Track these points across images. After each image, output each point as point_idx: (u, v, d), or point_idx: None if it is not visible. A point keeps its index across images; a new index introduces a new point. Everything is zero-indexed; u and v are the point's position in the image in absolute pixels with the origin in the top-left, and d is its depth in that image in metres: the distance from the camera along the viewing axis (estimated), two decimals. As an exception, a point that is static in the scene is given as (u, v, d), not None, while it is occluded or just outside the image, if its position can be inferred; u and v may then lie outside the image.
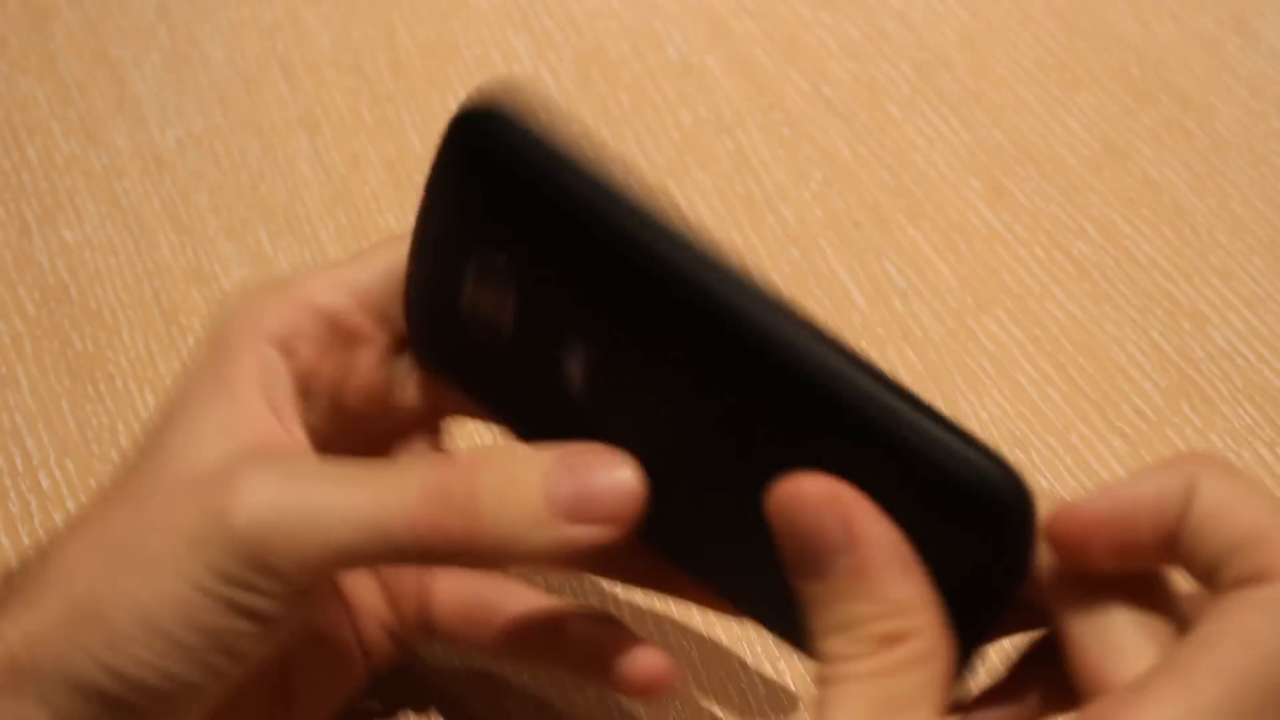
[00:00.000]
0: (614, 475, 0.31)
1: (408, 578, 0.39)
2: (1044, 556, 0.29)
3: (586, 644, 0.37)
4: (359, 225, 0.54)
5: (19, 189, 0.56)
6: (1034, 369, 0.50)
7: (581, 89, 0.59)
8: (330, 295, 0.35)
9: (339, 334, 0.36)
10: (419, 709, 0.42)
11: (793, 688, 0.43)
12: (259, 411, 0.34)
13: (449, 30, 0.61)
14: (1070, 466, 0.48)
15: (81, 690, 0.31)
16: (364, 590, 0.39)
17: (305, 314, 0.35)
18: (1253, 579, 0.27)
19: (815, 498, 0.28)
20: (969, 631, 0.29)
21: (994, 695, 0.31)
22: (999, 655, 0.32)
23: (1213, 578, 0.27)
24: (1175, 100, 0.58)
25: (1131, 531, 0.28)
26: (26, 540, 0.47)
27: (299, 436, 0.34)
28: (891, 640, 0.28)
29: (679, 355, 0.31)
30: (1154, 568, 0.29)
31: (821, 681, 0.28)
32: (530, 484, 0.31)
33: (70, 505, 0.48)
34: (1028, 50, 0.60)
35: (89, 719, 0.32)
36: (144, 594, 0.31)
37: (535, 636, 0.38)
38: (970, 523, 0.29)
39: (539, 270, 0.33)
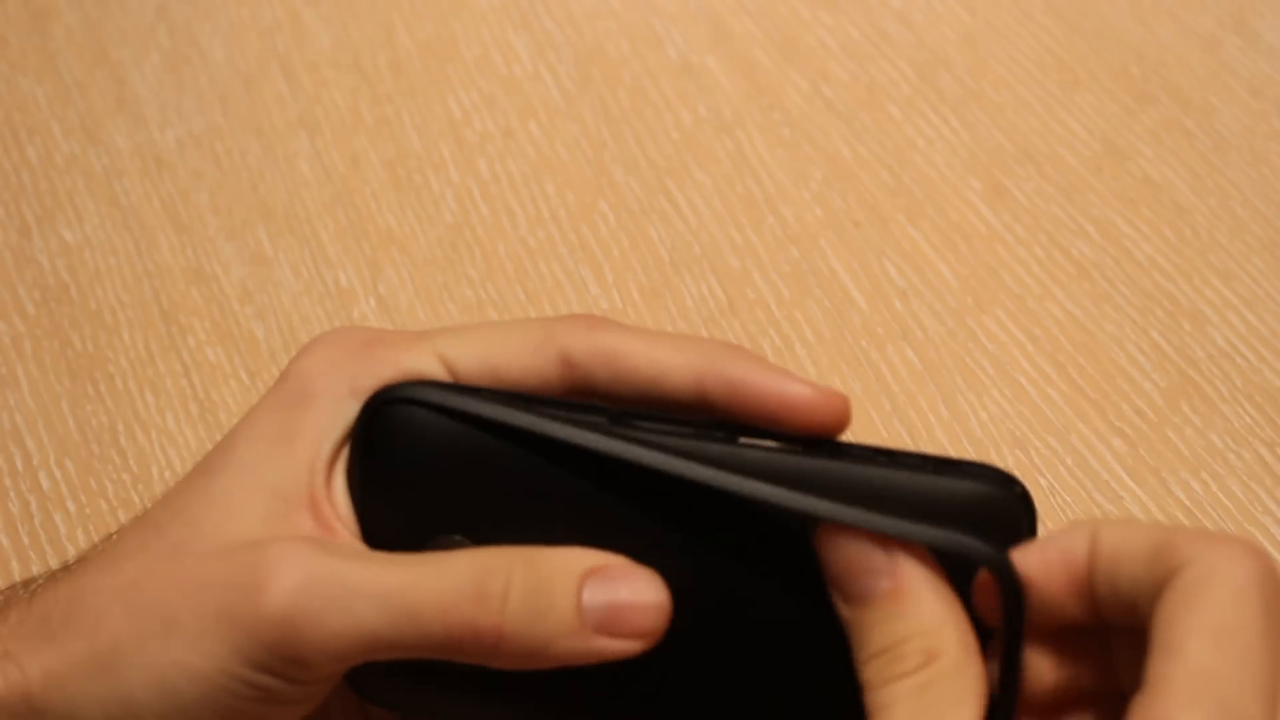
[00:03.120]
0: (645, 589, 0.33)
1: None
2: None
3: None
4: (359, 225, 0.54)
5: (19, 189, 0.56)
6: (1034, 369, 0.50)
7: (581, 89, 0.59)
8: (423, 365, 0.35)
9: None
10: None
11: None
12: (316, 475, 0.34)
13: (449, 30, 0.61)
14: (1070, 466, 0.48)
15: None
16: None
17: (394, 377, 0.35)
18: (1168, 578, 0.29)
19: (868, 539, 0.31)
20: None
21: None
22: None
23: (1137, 608, 0.30)
24: (1175, 100, 0.58)
25: (1049, 585, 0.31)
26: (26, 540, 0.47)
27: (345, 505, 0.34)
28: (929, 656, 0.30)
29: (661, 527, 0.33)
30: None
31: (870, 711, 0.30)
32: (566, 594, 0.32)
33: (70, 505, 0.48)
34: (1028, 50, 0.60)
35: None
36: (165, 662, 0.31)
37: None
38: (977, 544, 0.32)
39: (498, 522, 0.34)
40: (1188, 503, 0.47)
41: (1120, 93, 0.58)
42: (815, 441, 0.34)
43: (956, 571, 0.31)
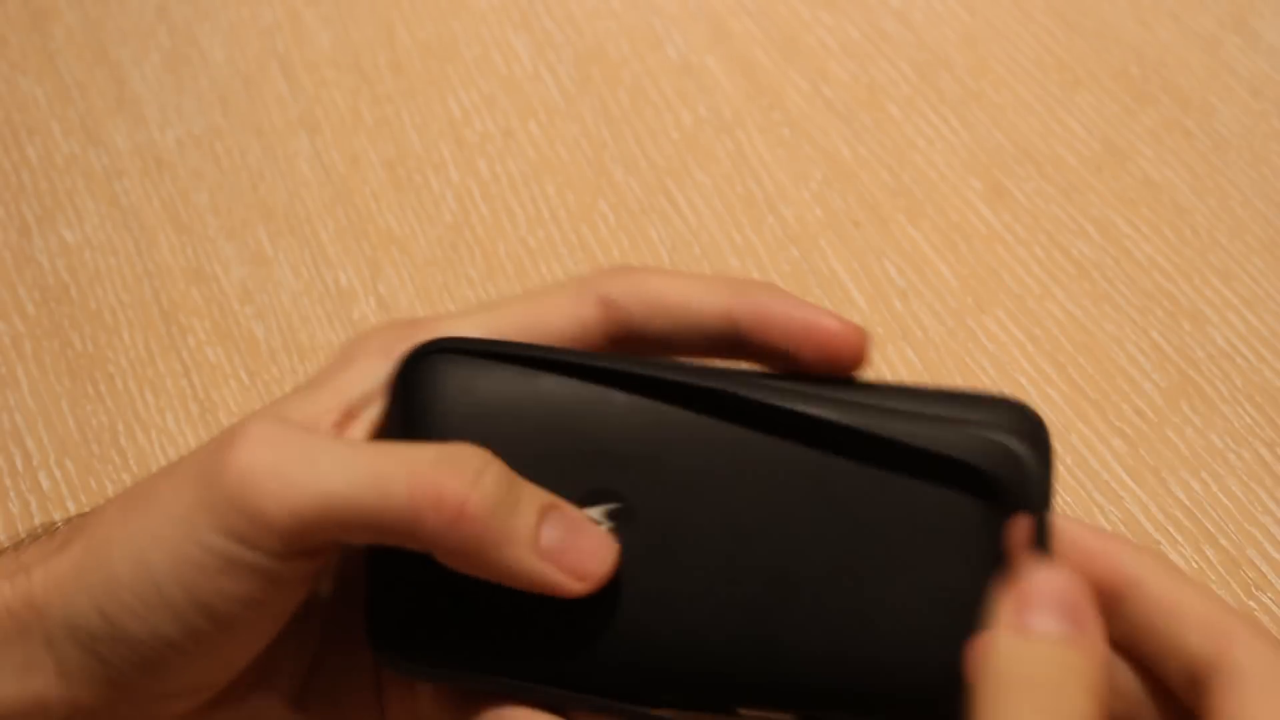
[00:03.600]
0: (598, 539, 0.33)
1: None
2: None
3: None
4: (359, 225, 0.54)
5: (19, 189, 0.56)
6: (1034, 369, 0.50)
7: (581, 89, 0.59)
8: (464, 331, 0.35)
9: None
10: None
11: None
12: (333, 414, 0.34)
13: (449, 30, 0.61)
14: (1070, 466, 0.48)
15: (79, 638, 0.32)
16: None
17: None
18: (1207, 671, 0.29)
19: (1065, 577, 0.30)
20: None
21: None
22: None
23: (1163, 664, 0.30)
24: (1175, 100, 0.58)
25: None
26: (26, 540, 0.47)
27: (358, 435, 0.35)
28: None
29: (711, 458, 0.34)
30: None
31: None
32: (528, 514, 0.32)
33: (70, 505, 0.48)
34: (1028, 50, 0.60)
35: (85, 672, 0.32)
36: (143, 538, 0.32)
37: None
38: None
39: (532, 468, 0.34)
40: (1188, 503, 0.47)
41: (1120, 93, 0.58)
42: (842, 380, 0.34)
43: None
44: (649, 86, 0.59)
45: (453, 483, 0.31)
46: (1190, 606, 0.30)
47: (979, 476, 0.33)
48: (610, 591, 0.33)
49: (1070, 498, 0.47)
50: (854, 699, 0.32)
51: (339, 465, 0.31)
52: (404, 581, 0.34)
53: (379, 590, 0.34)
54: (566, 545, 0.33)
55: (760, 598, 0.33)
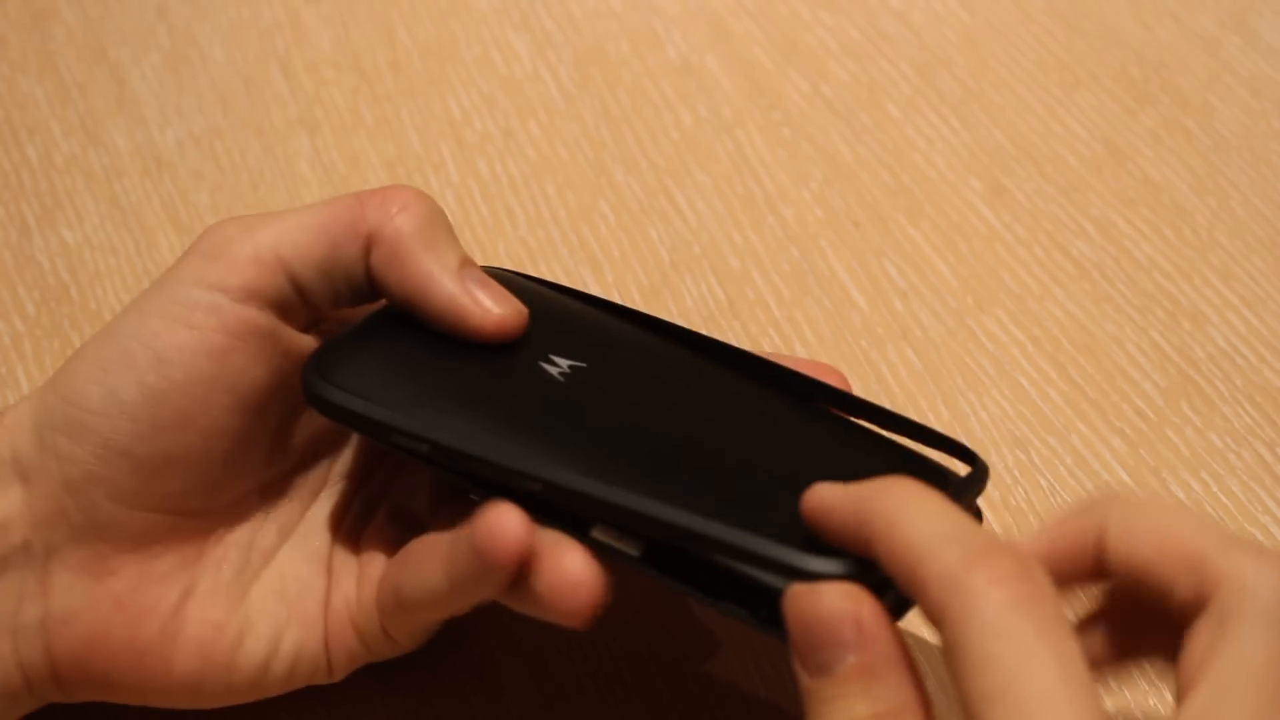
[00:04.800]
0: (506, 293, 0.38)
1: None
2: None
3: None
4: (359, 225, 0.55)
5: (19, 189, 0.56)
6: (1034, 369, 0.50)
7: (581, 89, 0.59)
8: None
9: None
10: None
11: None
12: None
13: (449, 30, 0.61)
14: (1070, 466, 0.48)
15: (41, 438, 0.35)
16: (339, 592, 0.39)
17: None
18: (1195, 599, 0.29)
19: (833, 595, 0.30)
20: None
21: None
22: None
23: (1146, 589, 0.30)
24: (1175, 100, 0.58)
25: (1062, 564, 0.31)
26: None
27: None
28: None
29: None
30: None
31: None
32: (452, 250, 0.38)
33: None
34: (1028, 50, 0.60)
35: (42, 474, 0.35)
36: (111, 324, 0.36)
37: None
38: None
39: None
40: (1188, 503, 0.47)
41: (1120, 93, 0.58)
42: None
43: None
44: (649, 86, 0.59)
45: (398, 190, 0.37)
46: (1175, 543, 0.30)
47: (901, 456, 0.37)
48: (536, 400, 0.37)
49: (1070, 498, 0.47)
50: (698, 540, 0.33)
51: (296, 210, 0.37)
52: (367, 341, 0.37)
53: (343, 339, 0.37)
54: (479, 286, 0.37)
55: (659, 452, 0.36)
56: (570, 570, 0.33)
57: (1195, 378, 0.50)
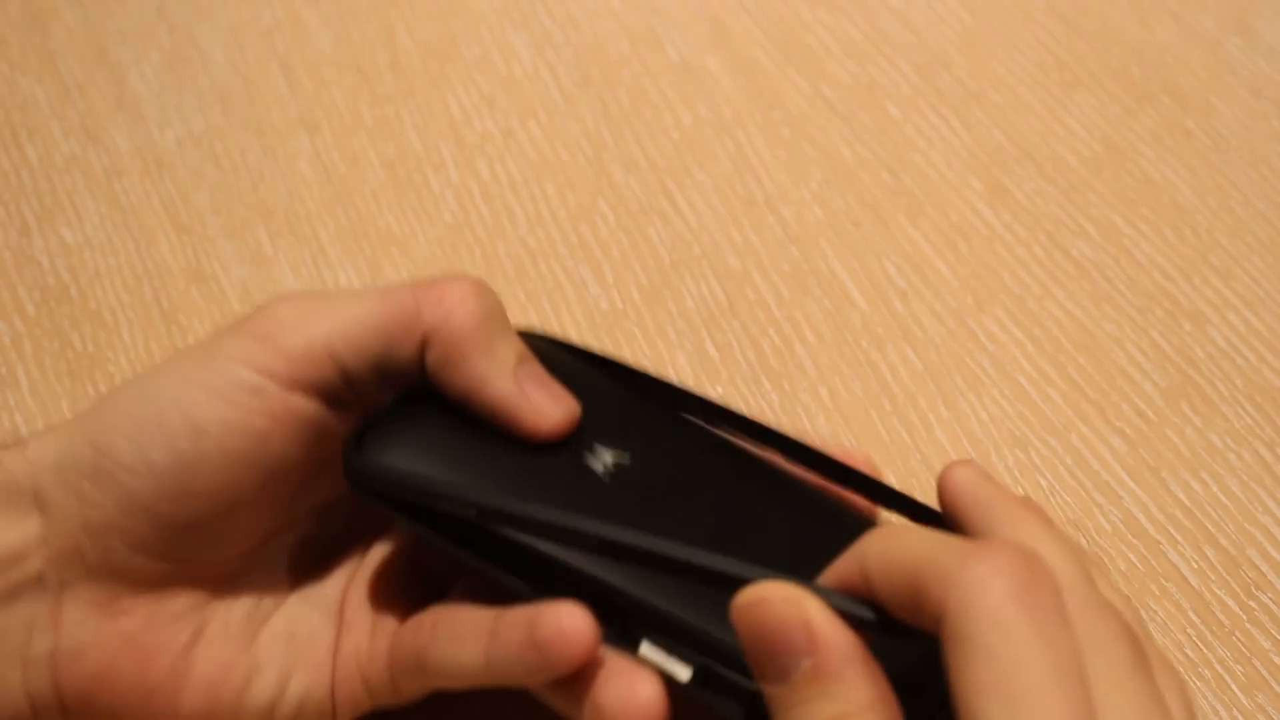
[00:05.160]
0: (563, 394, 0.38)
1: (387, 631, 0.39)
2: None
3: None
4: (359, 225, 0.54)
5: (19, 189, 0.56)
6: (1034, 369, 0.50)
7: (581, 89, 0.59)
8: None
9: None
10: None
11: None
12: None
13: (449, 30, 0.61)
14: (1070, 466, 0.48)
15: (65, 477, 0.34)
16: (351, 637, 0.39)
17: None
18: (935, 622, 0.29)
19: (777, 603, 0.30)
20: None
21: None
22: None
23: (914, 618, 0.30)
24: (1175, 100, 0.58)
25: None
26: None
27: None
28: None
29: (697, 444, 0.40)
30: None
31: None
32: (509, 346, 0.37)
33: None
34: (1028, 50, 0.60)
35: (63, 512, 0.34)
36: (154, 377, 0.35)
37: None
38: None
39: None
40: (1188, 503, 0.47)
41: (1120, 93, 0.58)
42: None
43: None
44: (649, 86, 0.59)
45: (454, 285, 0.37)
46: (896, 578, 0.30)
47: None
48: (583, 497, 0.36)
49: (1070, 498, 0.47)
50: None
51: (349, 298, 0.36)
52: (410, 423, 0.37)
53: (385, 420, 0.37)
54: (536, 386, 0.37)
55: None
56: (641, 696, 0.32)
57: (1195, 378, 0.50)
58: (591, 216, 0.55)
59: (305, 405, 0.35)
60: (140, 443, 0.34)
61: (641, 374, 0.41)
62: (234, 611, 0.37)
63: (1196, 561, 0.46)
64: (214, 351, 0.35)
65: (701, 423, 0.40)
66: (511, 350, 0.37)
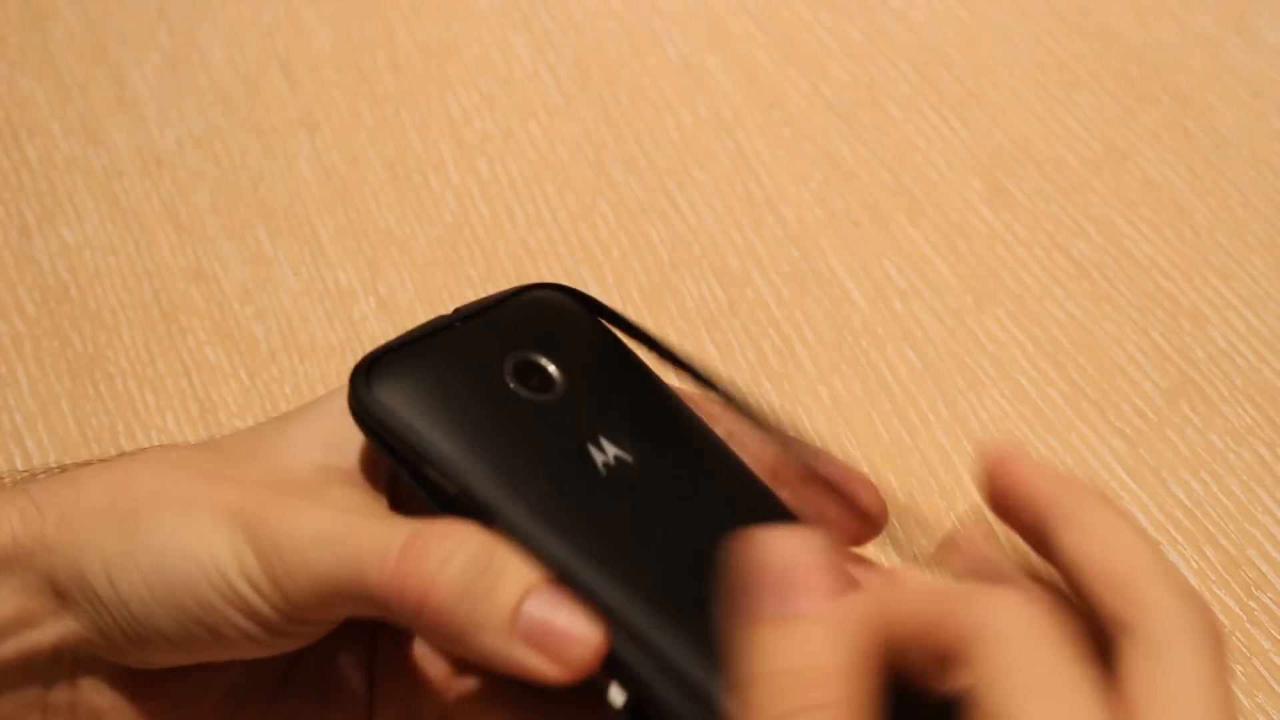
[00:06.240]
0: (582, 624, 0.32)
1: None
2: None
3: None
4: (359, 225, 0.54)
5: (19, 189, 0.56)
6: (1034, 369, 0.50)
7: (581, 89, 0.59)
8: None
9: None
10: None
11: None
12: (359, 444, 0.35)
13: (449, 30, 0.61)
14: (1070, 466, 0.48)
15: (83, 590, 0.33)
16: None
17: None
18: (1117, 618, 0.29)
19: (785, 540, 0.30)
20: None
21: None
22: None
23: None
24: (1175, 100, 0.58)
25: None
26: (26, 540, 0.47)
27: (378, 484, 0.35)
28: (814, 705, 0.28)
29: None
30: None
31: None
32: (510, 590, 0.32)
33: (70, 505, 0.48)
34: (1028, 50, 0.60)
35: (76, 615, 0.33)
36: (171, 535, 0.33)
37: None
38: None
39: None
40: (1188, 503, 0.47)
41: (1120, 93, 0.58)
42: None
43: None
44: (649, 86, 0.59)
45: (416, 570, 0.31)
46: (1112, 561, 0.30)
47: None
48: (576, 492, 0.34)
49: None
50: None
51: (335, 551, 0.32)
52: (423, 361, 0.35)
53: (399, 350, 0.35)
54: (547, 629, 0.31)
55: (691, 600, 0.34)
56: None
57: (1195, 378, 0.50)
58: (591, 216, 0.55)
59: (314, 631, 0.34)
60: (151, 606, 0.33)
61: (660, 344, 0.39)
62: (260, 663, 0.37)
63: (1196, 561, 0.46)
64: (227, 558, 0.33)
65: (707, 423, 0.40)
66: (507, 598, 0.32)
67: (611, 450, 0.36)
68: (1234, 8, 0.61)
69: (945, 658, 0.28)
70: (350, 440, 0.35)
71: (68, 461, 0.39)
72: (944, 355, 0.51)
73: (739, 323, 0.52)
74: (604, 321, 0.39)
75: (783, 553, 0.29)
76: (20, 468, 0.48)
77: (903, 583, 0.33)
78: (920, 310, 0.52)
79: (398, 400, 0.34)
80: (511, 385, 0.36)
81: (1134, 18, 0.61)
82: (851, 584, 0.30)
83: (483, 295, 0.53)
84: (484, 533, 0.32)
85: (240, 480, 0.34)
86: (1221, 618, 0.45)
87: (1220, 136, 0.57)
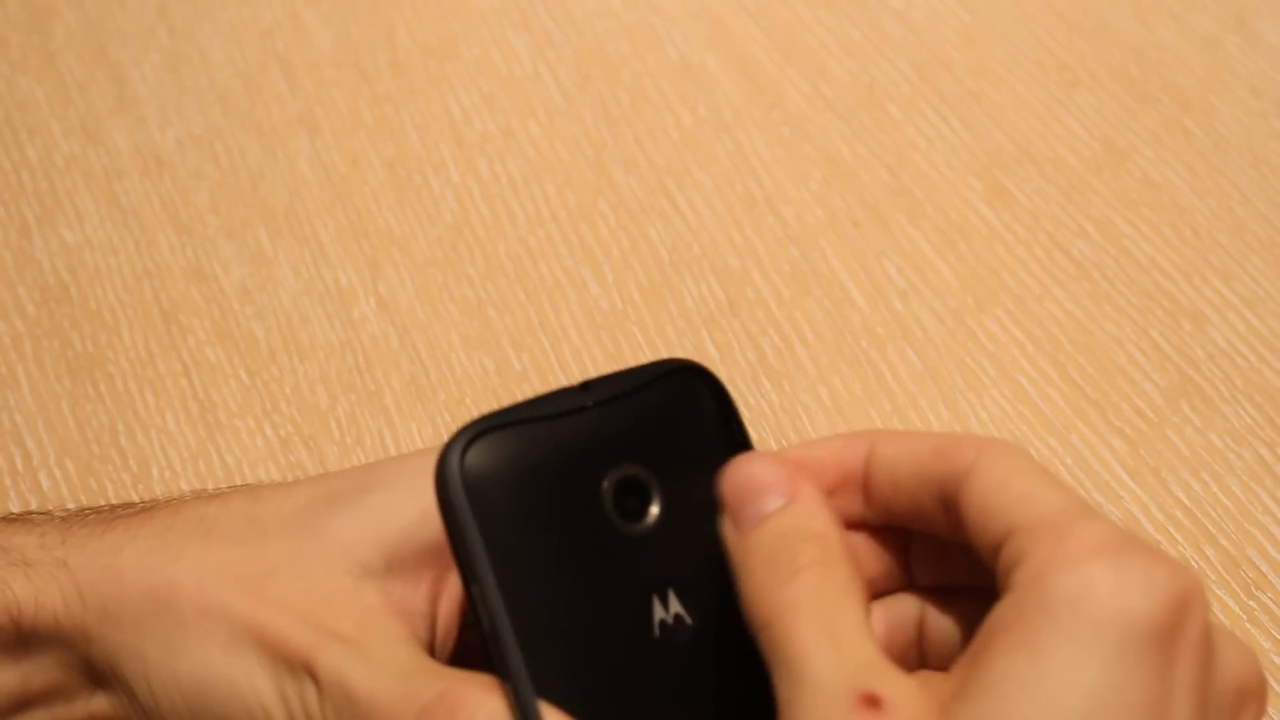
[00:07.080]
0: None
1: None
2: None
3: None
4: (359, 225, 0.55)
5: (19, 189, 0.56)
6: (1034, 369, 0.51)
7: (581, 89, 0.59)
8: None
9: None
10: None
11: None
12: (410, 547, 0.35)
13: (449, 30, 0.61)
14: (1070, 466, 0.48)
15: (122, 685, 0.34)
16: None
17: None
18: (955, 484, 0.30)
19: (766, 458, 0.32)
20: None
21: None
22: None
23: (923, 512, 0.32)
24: (1175, 100, 0.58)
25: (821, 478, 0.33)
26: (26, 540, 0.47)
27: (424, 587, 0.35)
28: (823, 551, 0.31)
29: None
30: None
31: (768, 618, 0.30)
32: None
33: (70, 506, 0.48)
34: (1028, 50, 0.60)
35: (113, 703, 0.35)
36: (217, 669, 0.33)
37: None
38: None
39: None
40: (1188, 502, 0.47)
41: (1120, 93, 0.58)
42: None
43: None
44: (649, 86, 0.59)
45: (455, 706, 0.31)
46: (913, 452, 0.31)
47: None
48: (626, 650, 0.32)
49: (1070, 498, 0.47)
50: None
51: (357, 712, 0.32)
52: (522, 440, 0.32)
53: (510, 427, 0.32)
54: None
55: None
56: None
57: (1195, 378, 0.50)
58: (591, 216, 0.55)
59: None
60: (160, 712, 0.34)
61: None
62: None
63: (1196, 561, 0.46)
64: (249, 670, 0.33)
65: None
66: None
67: (674, 607, 0.33)
68: (1234, 8, 0.61)
69: (944, 490, 0.30)
70: (403, 542, 0.34)
71: (102, 505, 0.38)
72: (944, 355, 0.51)
73: (739, 322, 0.52)
74: (729, 420, 0.35)
75: (745, 474, 0.32)
76: (20, 468, 0.48)
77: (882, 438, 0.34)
78: (920, 310, 0.52)
79: (479, 493, 0.31)
80: (606, 506, 0.33)
81: (1134, 18, 0.61)
82: (806, 475, 0.32)
83: (481, 295, 0.53)
84: (495, 703, 0.31)
85: (283, 605, 0.33)
86: (1221, 618, 0.45)
87: (1220, 136, 0.57)
